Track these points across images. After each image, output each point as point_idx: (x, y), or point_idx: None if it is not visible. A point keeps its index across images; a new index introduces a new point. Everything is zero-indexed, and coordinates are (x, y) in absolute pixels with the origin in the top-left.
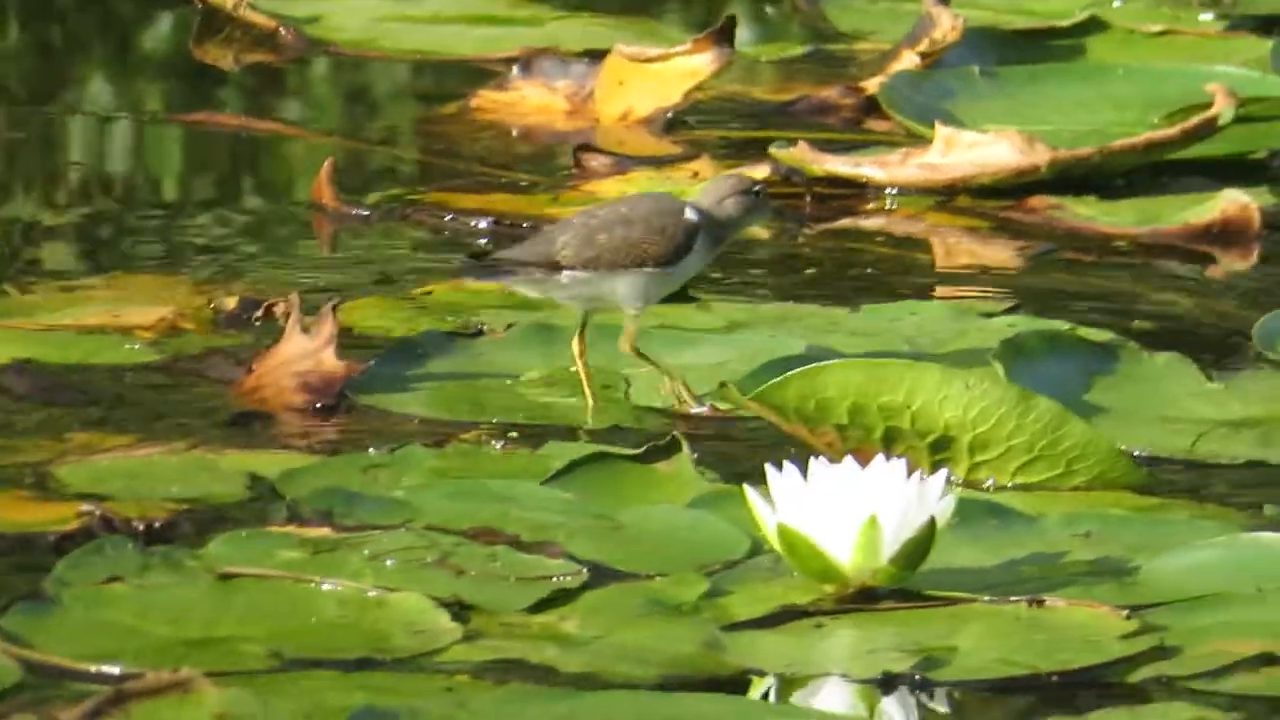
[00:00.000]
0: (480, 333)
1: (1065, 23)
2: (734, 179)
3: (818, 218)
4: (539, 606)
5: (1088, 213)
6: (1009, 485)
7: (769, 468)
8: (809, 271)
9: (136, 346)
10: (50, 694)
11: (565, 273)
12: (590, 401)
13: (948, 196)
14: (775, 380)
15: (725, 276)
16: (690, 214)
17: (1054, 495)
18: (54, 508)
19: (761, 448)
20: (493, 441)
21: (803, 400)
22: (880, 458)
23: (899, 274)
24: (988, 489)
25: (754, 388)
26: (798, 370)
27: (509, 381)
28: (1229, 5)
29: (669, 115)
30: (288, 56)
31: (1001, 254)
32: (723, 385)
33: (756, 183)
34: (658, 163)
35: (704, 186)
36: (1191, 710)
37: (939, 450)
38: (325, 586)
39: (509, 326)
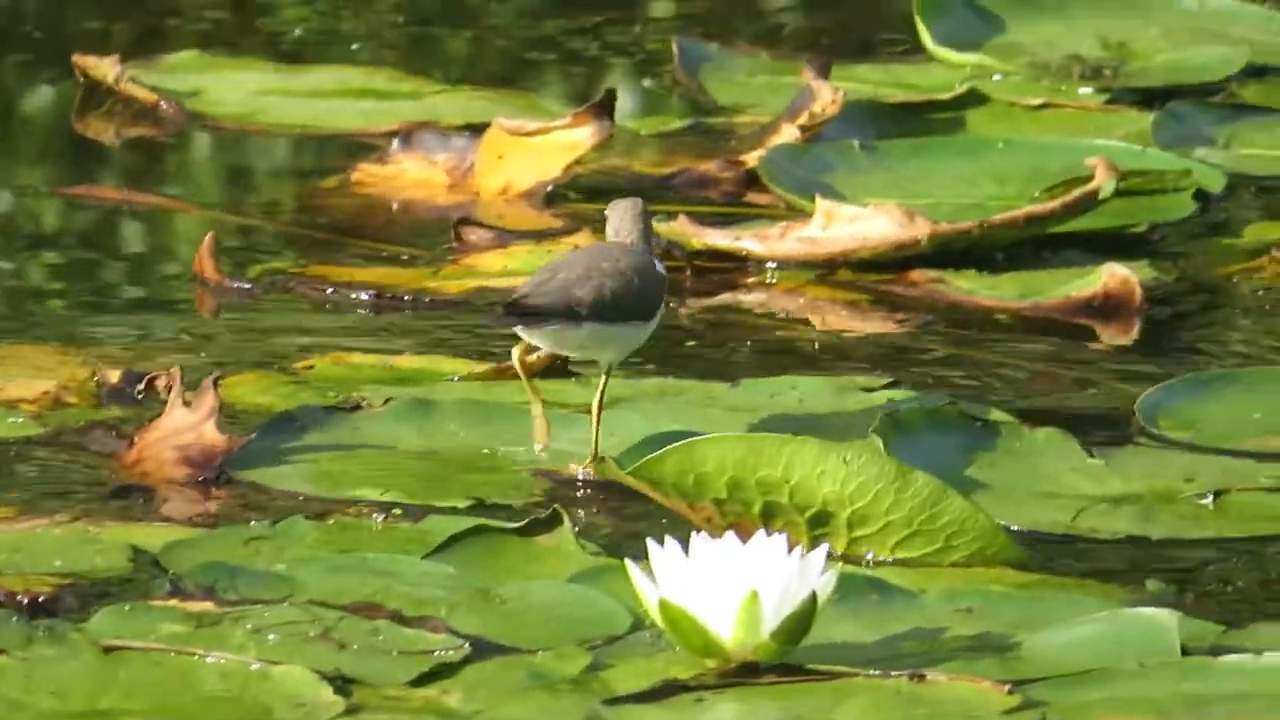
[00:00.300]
0: (358, 407)
1: (945, 96)
2: (628, 202)
3: (698, 292)
4: (421, 680)
5: (968, 286)
6: (888, 560)
7: (650, 542)
8: (689, 345)
9: (20, 419)
10: None
11: (585, 325)
12: (538, 413)
13: (828, 270)
14: (653, 455)
15: None
16: (661, 268)
17: (935, 570)
18: None
19: (644, 521)
20: (374, 515)
21: (681, 475)
22: (761, 533)
23: (779, 348)
24: (868, 564)
25: (633, 462)
26: (675, 445)
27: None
28: (1109, 79)
29: (549, 189)
30: (169, 130)
31: (882, 328)
32: (602, 460)
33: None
34: (538, 236)
35: (616, 226)
36: None
37: (818, 525)
38: (208, 660)
39: (387, 401)
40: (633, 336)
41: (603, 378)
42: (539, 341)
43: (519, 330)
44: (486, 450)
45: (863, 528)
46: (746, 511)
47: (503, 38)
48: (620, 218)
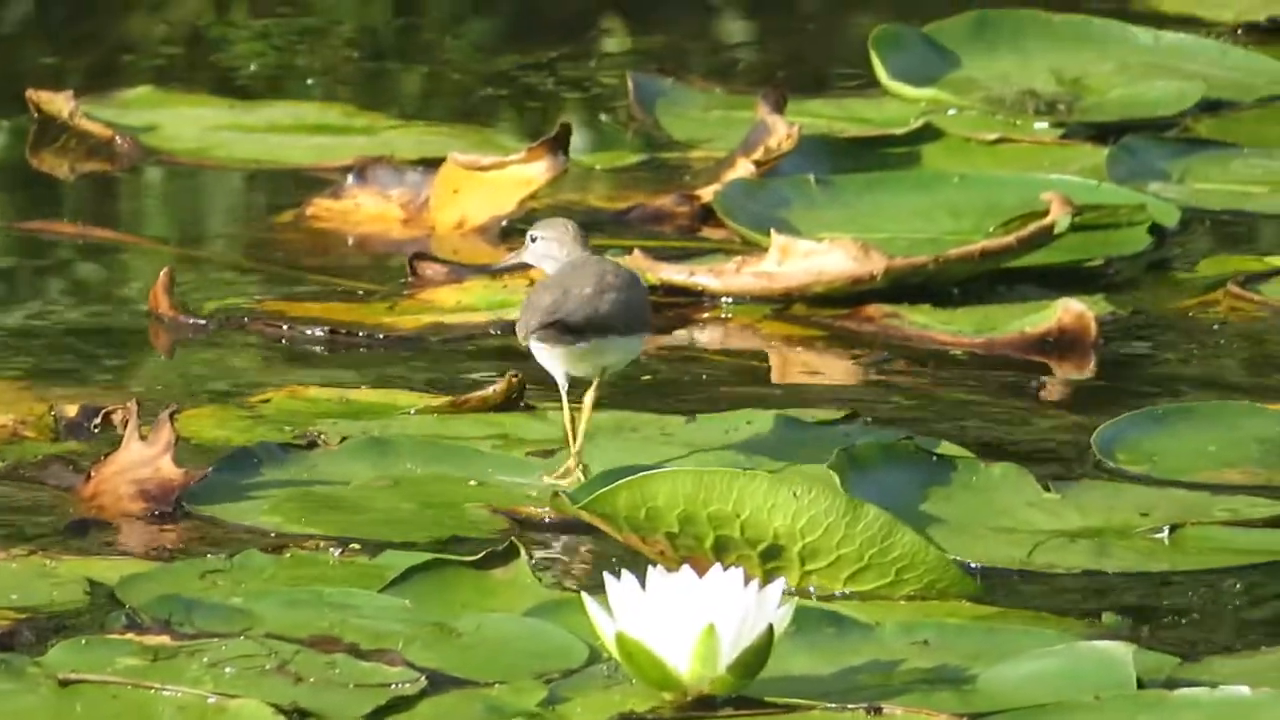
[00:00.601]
0: (314, 444)
1: (900, 131)
2: (560, 223)
3: (653, 326)
4: (378, 714)
5: (924, 321)
6: (838, 594)
7: (607, 576)
8: (644, 379)
9: None
10: None
11: (612, 338)
12: (574, 460)
13: (783, 305)
14: (605, 489)
15: (556, 386)
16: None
17: (891, 604)
18: None
19: (600, 555)
20: (330, 550)
21: (633, 509)
22: (717, 567)
23: (735, 383)
24: (814, 597)
25: (587, 497)
26: (627, 479)
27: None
28: (1064, 114)
29: (504, 223)
30: (124, 166)
31: (837, 363)
32: (555, 495)
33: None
34: (493, 271)
35: (563, 245)
36: None
37: (770, 559)
38: (165, 693)
39: (343, 440)
40: (636, 346)
41: (594, 389)
42: (559, 359)
43: (535, 350)
44: (472, 481)
45: (814, 561)
46: (699, 546)
47: (457, 73)
48: (562, 236)
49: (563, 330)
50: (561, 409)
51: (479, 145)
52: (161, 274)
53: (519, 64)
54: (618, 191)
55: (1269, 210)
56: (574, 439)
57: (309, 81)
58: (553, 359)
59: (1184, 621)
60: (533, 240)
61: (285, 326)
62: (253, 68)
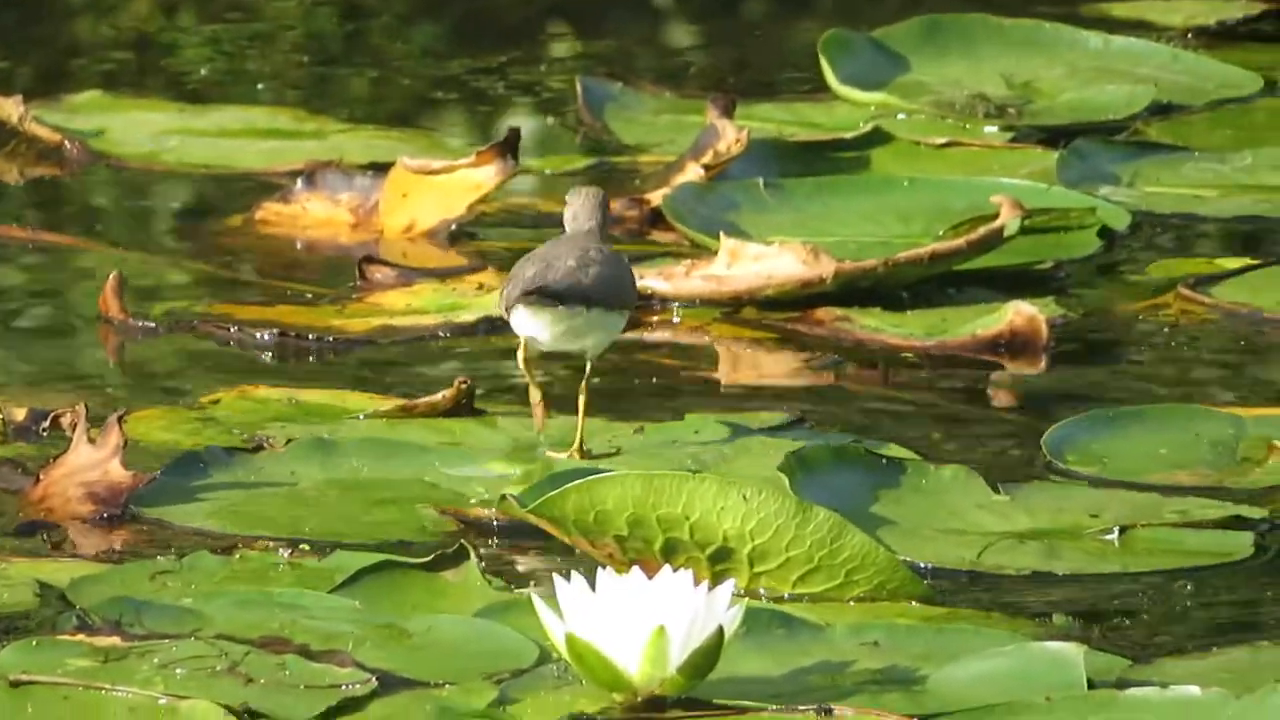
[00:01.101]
0: (261, 447)
1: (850, 135)
2: (589, 190)
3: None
4: (328, 715)
5: (874, 324)
6: (788, 595)
7: (556, 577)
8: (593, 383)
9: None
10: None
11: (594, 309)
12: (537, 400)
13: (733, 308)
14: (554, 492)
15: (509, 390)
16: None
17: (841, 605)
18: None
19: (551, 557)
20: (280, 551)
21: (581, 513)
22: (667, 569)
23: (684, 386)
24: (771, 599)
25: (535, 500)
26: (576, 483)
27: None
28: (1014, 117)
29: (453, 228)
30: (73, 170)
31: (787, 366)
32: (503, 498)
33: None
34: (442, 275)
35: (575, 212)
36: None
37: (719, 561)
38: (116, 694)
39: (289, 441)
40: (618, 324)
41: (588, 366)
42: (539, 329)
43: (518, 320)
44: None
45: (763, 563)
46: (648, 548)
47: (406, 77)
48: (580, 205)
49: (545, 297)
50: (530, 394)
51: (428, 149)
52: (111, 277)
53: (468, 68)
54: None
55: (1219, 213)
56: (538, 417)
57: (258, 86)
58: (537, 328)
59: (1134, 622)
60: (566, 203)
61: (234, 329)
62: (203, 72)
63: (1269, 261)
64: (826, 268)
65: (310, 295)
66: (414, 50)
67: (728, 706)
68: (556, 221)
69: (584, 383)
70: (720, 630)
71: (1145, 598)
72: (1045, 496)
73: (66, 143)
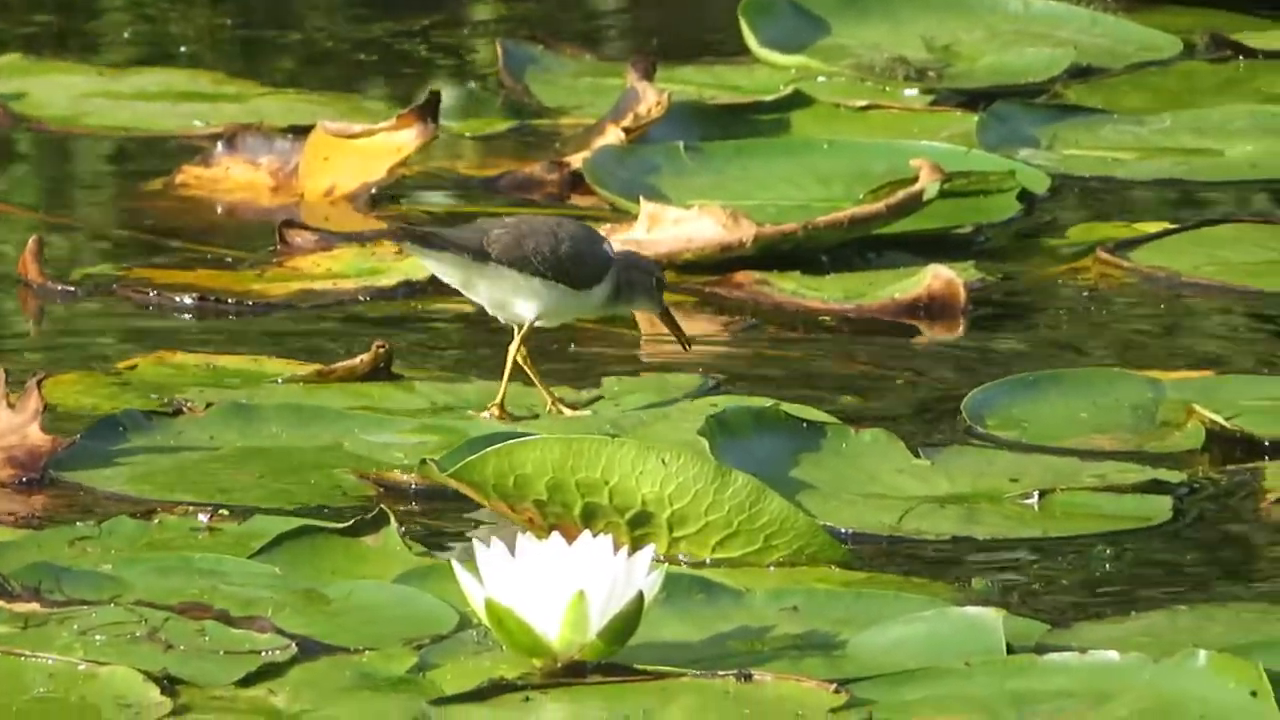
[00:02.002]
0: (180, 411)
1: (770, 98)
2: (649, 260)
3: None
4: (248, 680)
5: (793, 288)
6: (707, 560)
7: (476, 543)
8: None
9: None
10: None
11: (492, 265)
12: (548, 399)
13: None
14: (473, 457)
15: (427, 355)
16: (609, 250)
17: (760, 570)
18: None
19: (471, 522)
20: (199, 516)
21: (501, 477)
22: (586, 534)
23: (603, 350)
24: (690, 564)
25: (455, 464)
26: (495, 447)
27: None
28: (934, 80)
29: (373, 191)
30: None
31: (707, 330)
32: (423, 462)
33: (661, 272)
34: (362, 238)
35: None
36: None
37: (638, 526)
38: (35, 660)
39: (209, 406)
40: (554, 298)
41: (517, 332)
42: (449, 275)
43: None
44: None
45: (682, 528)
46: (567, 513)
47: (329, 40)
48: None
49: (418, 238)
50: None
51: (349, 113)
52: (30, 241)
53: (391, 31)
54: (487, 159)
55: (1138, 176)
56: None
57: (181, 49)
58: (437, 270)
59: (1053, 587)
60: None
61: (154, 293)
62: (127, 35)
63: (1187, 225)
64: (746, 231)
65: (230, 259)
66: (337, 15)
67: (647, 672)
68: (477, 185)
69: (515, 344)
70: (640, 596)
71: (1064, 562)
72: (965, 461)
73: None
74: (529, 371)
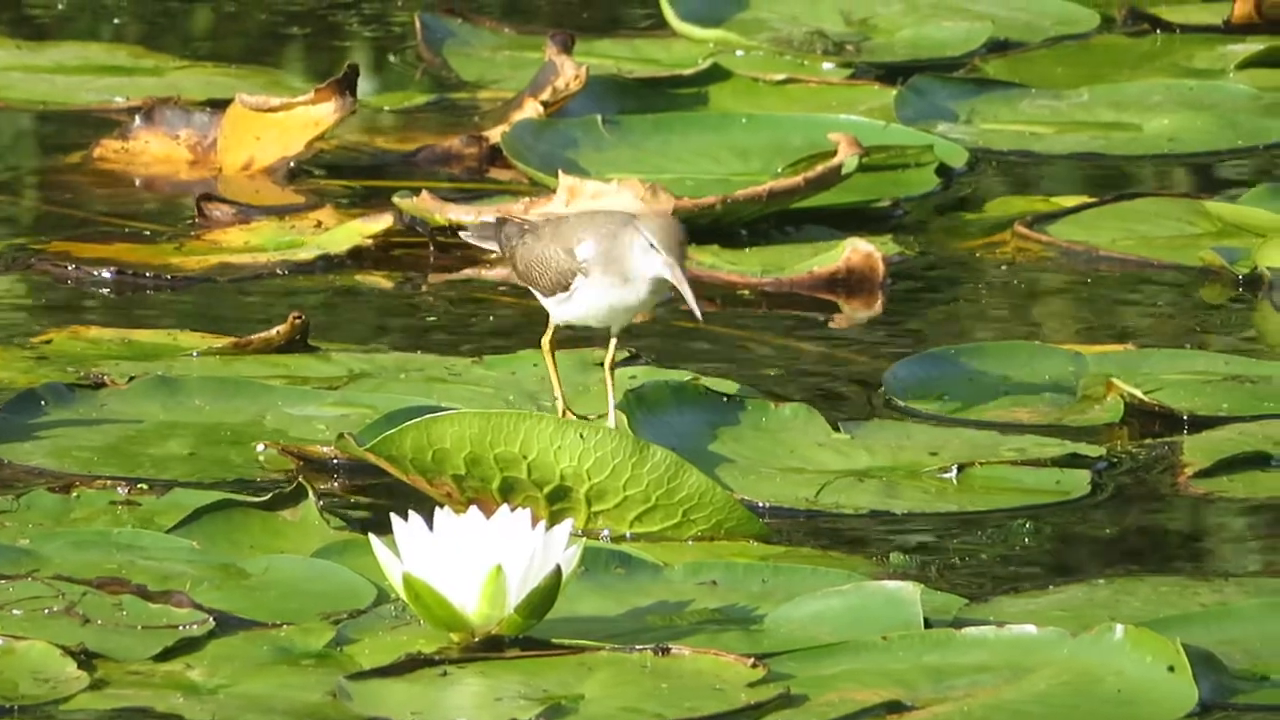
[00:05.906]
0: (101, 384)
1: (688, 71)
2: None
3: (441, 267)
4: (165, 655)
5: (711, 262)
6: (626, 535)
7: (394, 517)
8: (430, 320)
9: None
10: None
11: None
12: (559, 398)
13: None
14: (391, 431)
15: (345, 327)
16: (580, 256)
17: (679, 544)
18: None
19: (390, 496)
20: (118, 490)
21: (419, 451)
22: (505, 508)
23: (521, 324)
24: (608, 538)
25: (373, 438)
26: (413, 421)
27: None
28: (852, 54)
29: (292, 165)
30: None
31: None
32: (340, 437)
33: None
34: (281, 212)
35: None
36: None
37: (557, 500)
38: None
39: (131, 379)
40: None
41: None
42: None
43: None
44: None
45: (601, 502)
46: (485, 487)
47: (249, 13)
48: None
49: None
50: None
51: (267, 86)
52: None
53: (310, 5)
54: (406, 133)
55: (1056, 151)
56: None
57: (99, 23)
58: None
59: (971, 561)
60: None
61: (72, 267)
62: (61, 7)
63: (1105, 199)
64: (664, 205)
65: (149, 233)
66: None
67: (565, 646)
68: (395, 158)
69: (545, 341)
70: (558, 570)
71: (983, 536)
72: (885, 435)
73: None
74: (551, 367)
